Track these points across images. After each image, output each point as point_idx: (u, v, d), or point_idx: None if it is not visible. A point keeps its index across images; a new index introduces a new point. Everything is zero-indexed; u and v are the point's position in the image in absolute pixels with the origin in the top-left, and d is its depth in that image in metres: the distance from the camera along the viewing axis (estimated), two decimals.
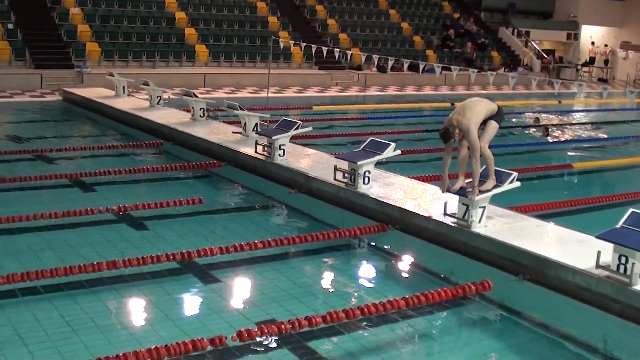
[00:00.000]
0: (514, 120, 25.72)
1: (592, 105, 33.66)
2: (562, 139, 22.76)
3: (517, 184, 10.33)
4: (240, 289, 9.44)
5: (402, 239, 10.85)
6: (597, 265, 8.50)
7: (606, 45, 46.99)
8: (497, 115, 10.36)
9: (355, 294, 9.45)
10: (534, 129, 23.87)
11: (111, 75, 23.02)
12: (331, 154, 14.71)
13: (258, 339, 7.54)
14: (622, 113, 30.41)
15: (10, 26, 29.30)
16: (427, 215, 10.66)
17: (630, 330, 8.08)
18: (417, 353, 7.93)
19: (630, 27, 48.12)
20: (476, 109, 10.12)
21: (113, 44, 30.86)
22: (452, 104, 27.08)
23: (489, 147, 10.27)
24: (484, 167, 10.22)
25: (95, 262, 9.09)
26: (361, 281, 10.10)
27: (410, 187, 12.38)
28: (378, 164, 12.35)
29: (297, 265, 10.32)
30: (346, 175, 12.03)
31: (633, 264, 8.16)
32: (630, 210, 8.75)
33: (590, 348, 8.12)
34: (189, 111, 18.80)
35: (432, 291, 8.71)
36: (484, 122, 10.23)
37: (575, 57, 47.26)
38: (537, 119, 26.17)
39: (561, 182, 16.80)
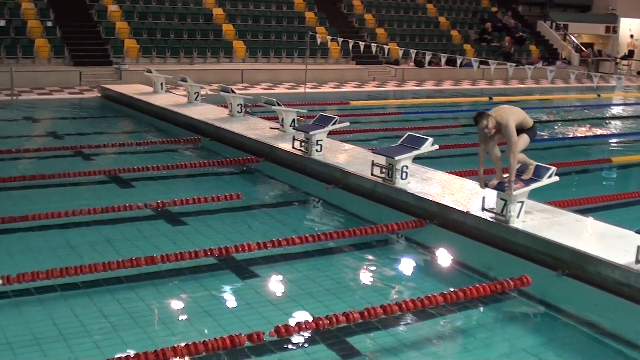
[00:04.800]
0: (552, 115, 25.51)
1: (632, 99, 33.30)
2: (602, 133, 22.55)
3: (556, 178, 10.23)
4: (278, 284, 9.45)
5: (439, 234, 10.79)
6: (637, 261, 8.41)
7: None
8: (531, 130, 10.30)
9: (393, 289, 9.42)
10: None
11: (149, 71, 23.14)
12: (368, 149, 14.70)
13: (296, 335, 7.56)
14: None
15: (50, 24, 29.58)
16: (465, 210, 10.61)
17: None
18: (455, 349, 7.89)
19: None
20: (514, 110, 10.14)
21: (151, 40, 31.03)
22: (490, 98, 27.06)
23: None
24: (520, 164, 10.15)
25: (133, 258, 9.16)
26: (399, 277, 10.07)
27: (447, 182, 12.33)
28: (416, 159, 12.30)
29: (335, 261, 10.30)
30: (384, 170, 12.00)
31: None
32: None
33: (629, 344, 8.03)
34: (226, 107, 18.85)
35: (470, 287, 8.66)
36: (518, 134, 10.12)
37: (614, 50, 46.73)
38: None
39: (600, 177, 16.64)
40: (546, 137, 20.17)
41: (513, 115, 10.00)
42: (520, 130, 10.11)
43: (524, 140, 10.23)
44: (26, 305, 8.29)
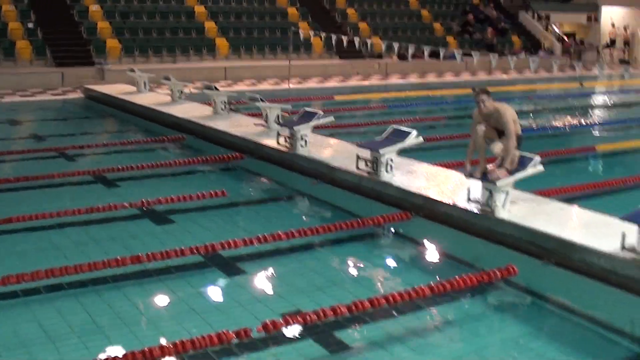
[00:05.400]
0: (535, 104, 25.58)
1: (614, 87, 33.40)
2: (585, 122, 22.61)
3: (541, 167, 10.27)
4: (265, 280, 9.43)
5: (426, 226, 10.81)
6: (623, 247, 8.44)
7: (626, 27, 46.55)
8: (518, 138, 10.37)
9: (380, 282, 9.43)
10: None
11: (132, 71, 23.11)
12: (353, 143, 14.70)
13: (283, 330, 7.55)
14: None
15: (31, 25, 29.47)
16: (450, 202, 10.62)
17: None
18: (443, 340, 7.89)
19: None
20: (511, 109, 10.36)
21: (133, 39, 30.97)
22: (474, 90, 27.01)
23: None
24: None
25: (119, 257, 9.13)
26: (386, 270, 10.08)
27: (433, 174, 12.34)
28: (401, 152, 12.31)
29: (321, 256, 10.29)
30: (369, 163, 12.01)
31: None
32: None
33: (617, 330, 8.05)
34: (210, 105, 18.83)
35: (458, 278, 8.67)
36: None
37: (596, 39, 46.89)
38: None
39: (585, 165, 16.69)
40: (530, 127, 20.20)
41: (510, 110, 10.19)
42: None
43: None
44: (12, 307, 8.24)
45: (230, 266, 9.59)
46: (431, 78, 33.40)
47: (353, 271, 9.87)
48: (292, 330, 7.62)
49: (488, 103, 10.21)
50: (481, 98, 10.23)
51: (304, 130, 13.82)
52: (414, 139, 11.98)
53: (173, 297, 8.72)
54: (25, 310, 8.17)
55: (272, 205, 12.84)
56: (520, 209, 10.13)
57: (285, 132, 14.14)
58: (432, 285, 8.47)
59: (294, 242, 10.29)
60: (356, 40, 27.64)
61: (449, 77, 33.87)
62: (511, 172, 10.04)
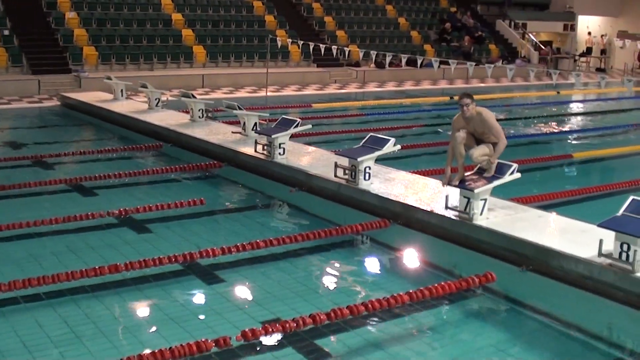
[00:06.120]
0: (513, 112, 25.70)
1: (591, 95, 33.63)
2: (562, 129, 22.74)
3: (518, 175, 10.33)
4: (244, 288, 9.41)
5: (404, 233, 10.84)
6: (600, 254, 8.49)
7: (602, 36, 46.93)
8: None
9: (359, 290, 9.42)
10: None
11: (109, 78, 23.01)
12: (331, 151, 14.71)
13: (263, 339, 7.54)
14: (620, 102, 30.47)
15: (6, 32, 29.25)
16: (428, 209, 10.65)
17: (634, 318, 8.07)
18: (422, 347, 7.90)
19: (627, 16, 48.13)
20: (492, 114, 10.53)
21: (110, 47, 30.82)
22: (451, 98, 27.16)
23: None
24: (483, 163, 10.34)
25: (97, 267, 9.08)
26: (365, 277, 10.09)
27: (411, 181, 12.37)
28: (378, 160, 12.33)
29: (300, 264, 10.28)
30: (347, 171, 12.02)
31: (635, 251, 8.17)
32: (631, 197, 8.75)
33: (594, 336, 8.11)
34: (188, 112, 18.79)
35: (436, 285, 8.70)
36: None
37: (573, 48, 47.21)
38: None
39: (562, 172, 16.78)
40: (508, 134, 20.32)
41: (492, 114, 10.40)
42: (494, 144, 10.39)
43: (490, 148, 10.40)
44: None
45: (209, 275, 9.57)
46: (408, 86, 33.46)
47: (332, 279, 9.87)
48: (272, 339, 7.61)
49: (471, 107, 10.27)
50: (465, 102, 10.29)
51: (282, 138, 13.81)
52: (391, 146, 12.00)
53: (152, 306, 8.70)
54: (2, 320, 8.11)
55: (251, 213, 12.82)
56: (498, 216, 10.18)
57: (263, 140, 14.13)
58: (411, 292, 8.49)
59: (273, 250, 10.28)
60: (334, 48, 27.67)
61: (426, 85, 33.93)
62: (489, 180, 10.09)
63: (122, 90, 22.48)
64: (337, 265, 10.33)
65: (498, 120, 10.84)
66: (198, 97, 19.45)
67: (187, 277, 9.49)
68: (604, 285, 8.37)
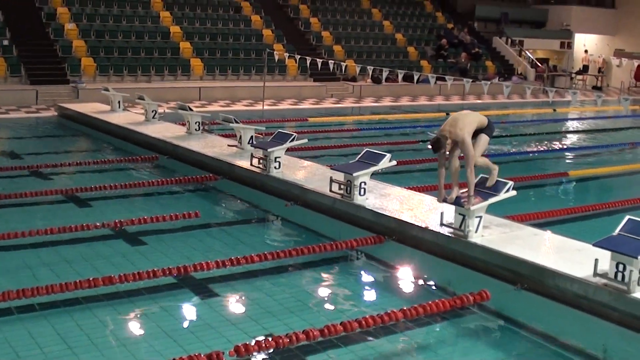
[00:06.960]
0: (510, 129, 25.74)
1: (587, 113, 33.68)
2: (558, 147, 22.77)
3: (513, 192, 10.30)
4: (237, 303, 9.39)
5: (399, 250, 10.80)
6: (595, 273, 8.47)
7: (599, 56, 47.08)
8: (488, 129, 10.50)
9: (353, 306, 9.39)
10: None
11: (106, 90, 23.00)
12: (327, 165, 14.70)
13: (255, 354, 7.51)
14: (616, 120, 30.48)
15: (6, 42, 29.28)
16: (423, 225, 10.64)
17: (628, 338, 8.04)
18: None
19: (623, 34, 48.28)
20: (467, 120, 10.26)
21: (108, 58, 30.86)
22: (447, 114, 27.09)
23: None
24: (480, 176, 10.26)
25: (91, 278, 9.05)
26: (359, 293, 10.07)
27: (406, 197, 12.36)
28: (374, 175, 12.32)
29: (294, 279, 10.27)
30: (342, 186, 12.00)
31: (631, 271, 8.14)
32: (627, 217, 8.73)
33: (589, 356, 8.09)
34: (184, 125, 18.78)
35: (430, 302, 8.69)
36: (475, 136, 10.31)
37: (569, 66, 47.36)
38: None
39: (557, 190, 16.79)
40: (503, 152, 20.33)
41: (468, 127, 10.19)
42: (478, 131, 10.28)
43: (483, 141, 10.41)
44: None
45: (202, 288, 9.54)
46: (405, 101, 33.49)
47: (326, 294, 9.85)
48: (264, 354, 7.59)
49: (448, 147, 10.27)
50: (442, 152, 10.34)
51: (278, 152, 13.80)
52: (387, 162, 11.99)
53: (145, 319, 8.67)
54: None
55: (245, 227, 12.81)
56: (493, 234, 10.16)
57: (259, 153, 14.12)
58: (405, 309, 8.47)
59: (267, 265, 10.27)
60: (330, 63, 27.72)
61: (422, 101, 33.95)
62: (484, 197, 10.08)
63: (119, 102, 22.46)
64: (331, 280, 10.32)
65: (493, 137, 10.84)
66: (195, 109, 19.42)
67: (181, 291, 9.48)
68: (598, 305, 8.35)
